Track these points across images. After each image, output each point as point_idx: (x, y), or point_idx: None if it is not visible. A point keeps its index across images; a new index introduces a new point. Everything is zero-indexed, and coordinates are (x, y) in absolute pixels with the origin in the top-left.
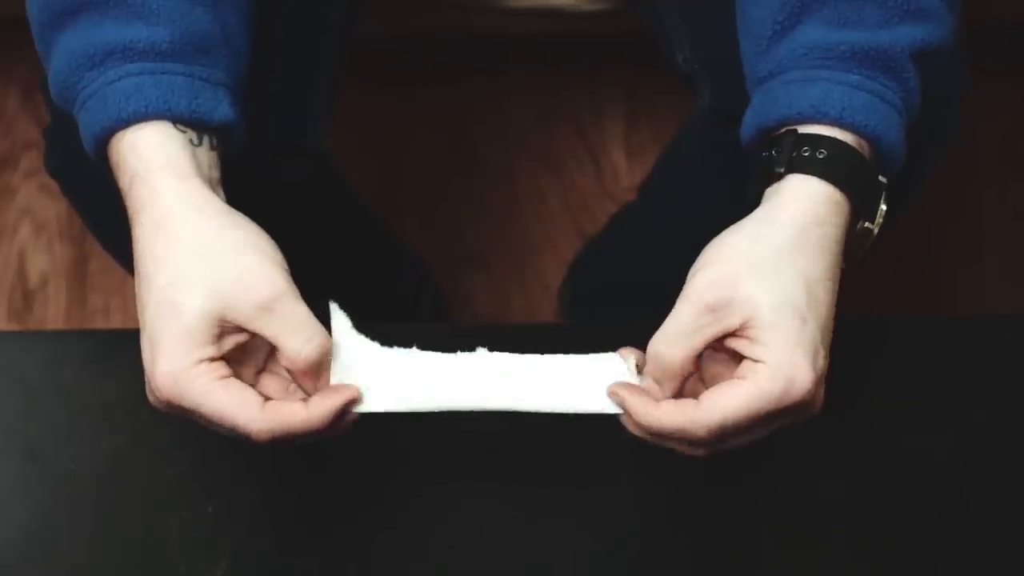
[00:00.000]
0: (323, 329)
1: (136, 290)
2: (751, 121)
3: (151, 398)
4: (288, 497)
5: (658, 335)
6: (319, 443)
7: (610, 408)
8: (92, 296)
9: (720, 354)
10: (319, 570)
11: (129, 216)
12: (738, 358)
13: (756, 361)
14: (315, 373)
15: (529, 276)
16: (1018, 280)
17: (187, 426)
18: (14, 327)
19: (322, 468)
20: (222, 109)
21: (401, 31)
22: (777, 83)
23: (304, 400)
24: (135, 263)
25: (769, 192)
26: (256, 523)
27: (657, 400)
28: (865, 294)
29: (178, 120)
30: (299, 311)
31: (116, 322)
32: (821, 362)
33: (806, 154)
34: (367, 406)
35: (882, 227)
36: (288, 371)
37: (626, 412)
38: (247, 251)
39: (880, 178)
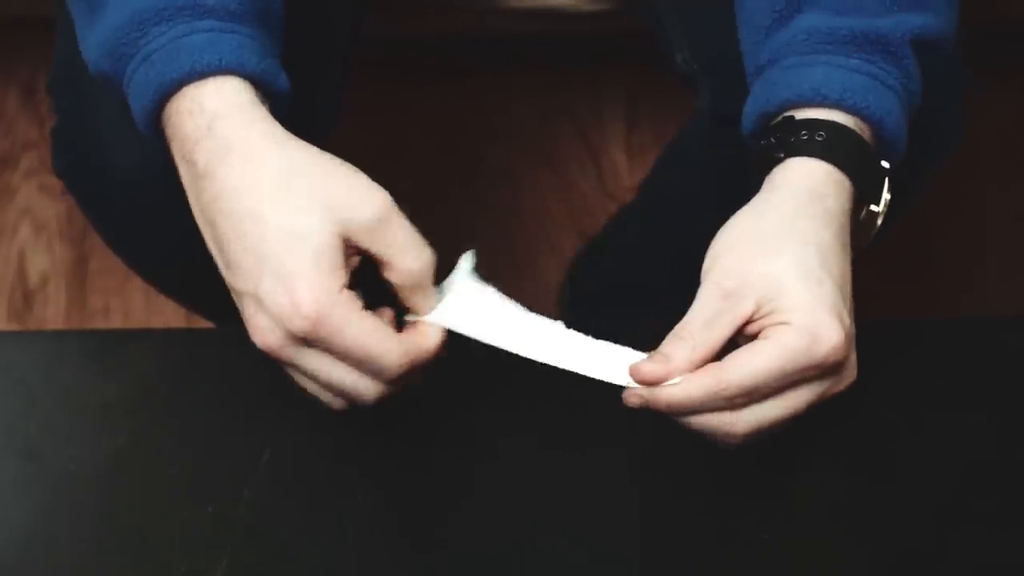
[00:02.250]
0: (429, 246)
1: (223, 233)
2: (751, 109)
3: (267, 332)
4: (288, 497)
5: (682, 322)
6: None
7: (610, 377)
8: (92, 296)
9: (742, 338)
10: (319, 570)
11: (203, 162)
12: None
13: (780, 324)
14: (426, 288)
15: (529, 276)
16: (1019, 281)
17: (188, 426)
18: (14, 327)
19: (322, 469)
20: (282, 78)
21: (401, 31)
22: (776, 69)
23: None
24: (220, 208)
25: (768, 177)
26: (256, 523)
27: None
28: (865, 296)
29: (249, 78)
30: (407, 224)
31: (116, 322)
32: (848, 321)
33: (804, 137)
34: (447, 320)
35: (887, 215)
36: (397, 288)
37: (648, 401)
38: (347, 170)
39: (882, 163)
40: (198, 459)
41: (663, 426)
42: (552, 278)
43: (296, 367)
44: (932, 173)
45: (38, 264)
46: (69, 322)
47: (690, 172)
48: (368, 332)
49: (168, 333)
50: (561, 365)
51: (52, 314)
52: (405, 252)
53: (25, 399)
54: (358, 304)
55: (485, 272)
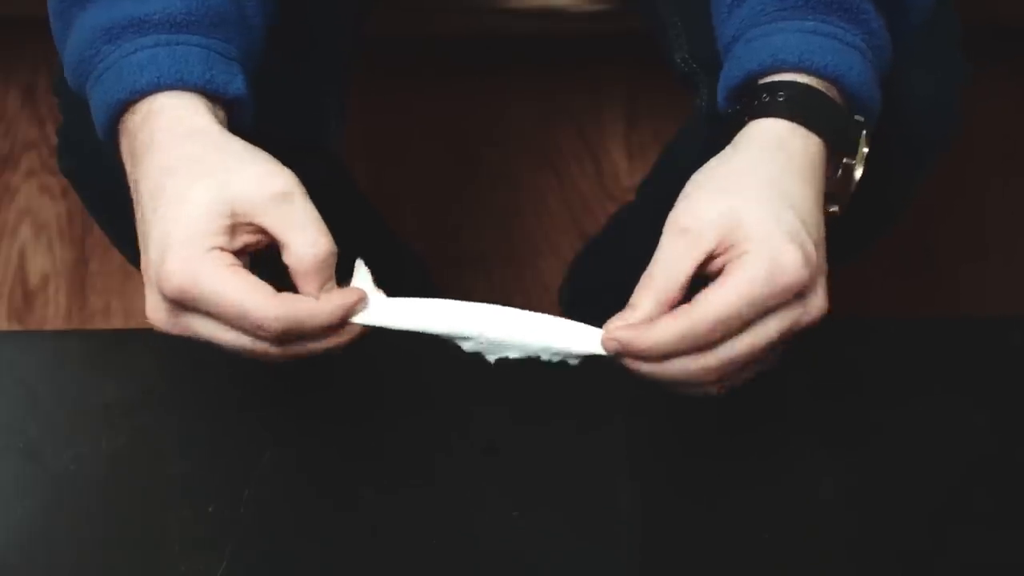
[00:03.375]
0: (331, 237)
1: (142, 216)
2: (722, 87)
3: (154, 309)
4: (288, 497)
5: (645, 272)
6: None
7: (599, 348)
8: (92, 296)
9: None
10: (319, 570)
11: (135, 163)
12: None
13: (740, 256)
14: (319, 277)
15: (529, 276)
16: (1018, 280)
17: (188, 426)
18: (14, 327)
19: (322, 469)
20: (235, 83)
21: (401, 31)
22: (740, 44)
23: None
24: (142, 197)
25: (733, 140)
26: (256, 523)
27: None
28: (865, 294)
29: (190, 91)
30: (308, 209)
31: (116, 322)
32: (809, 247)
33: (766, 100)
34: (372, 318)
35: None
36: (291, 272)
37: (624, 347)
38: (254, 153)
39: (856, 116)
40: (198, 459)
41: (663, 426)
42: (552, 278)
43: (193, 336)
44: (931, 168)
45: (38, 264)
46: (69, 322)
47: (689, 172)
48: (237, 288)
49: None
50: (528, 341)
51: (52, 314)
52: (299, 234)
53: (25, 399)
54: (228, 261)
55: (485, 272)
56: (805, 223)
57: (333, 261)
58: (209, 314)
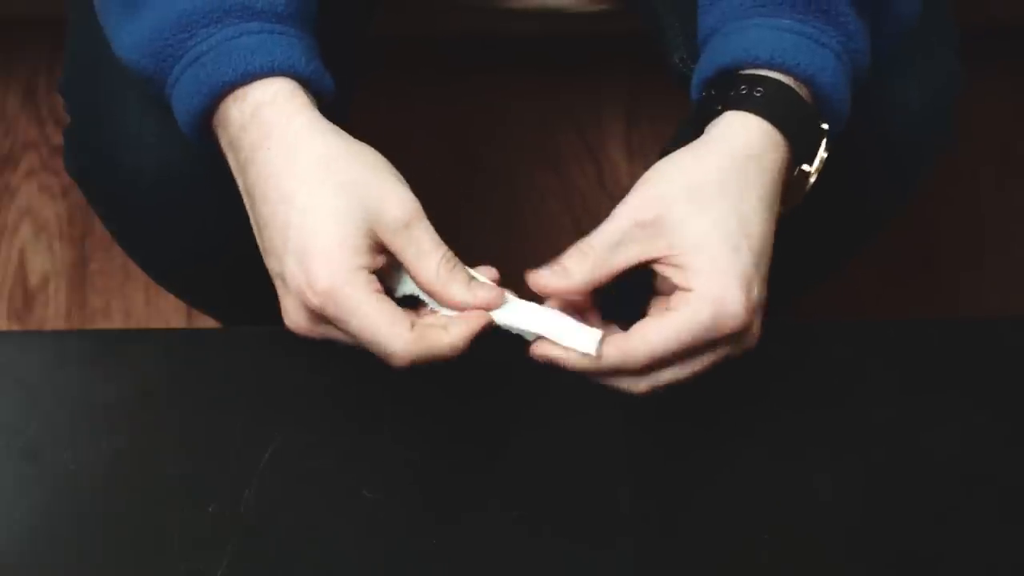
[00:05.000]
0: (448, 249)
1: (262, 218)
2: (696, 79)
3: (295, 316)
4: (288, 497)
5: (587, 238)
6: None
7: (583, 347)
8: (92, 296)
9: (660, 299)
10: (319, 570)
11: (247, 147)
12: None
13: (686, 290)
14: (455, 288)
15: None
16: (1017, 282)
17: (188, 426)
18: (14, 327)
19: (322, 469)
20: (328, 80)
21: (401, 31)
22: (718, 36)
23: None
24: (258, 193)
25: (707, 128)
26: (256, 523)
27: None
28: (864, 296)
29: (298, 79)
30: (431, 232)
31: (116, 322)
32: (756, 291)
33: (744, 92)
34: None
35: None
36: (426, 290)
37: (560, 360)
38: (385, 170)
39: (822, 124)
40: (198, 459)
41: (663, 426)
42: None
43: (333, 340)
44: (926, 173)
45: (38, 264)
46: (69, 322)
47: None
48: (379, 317)
49: (168, 333)
50: (535, 332)
51: (52, 314)
52: (429, 259)
53: (25, 399)
54: (374, 286)
55: None
56: (758, 260)
57: (460, 267)
58: (345, 332)
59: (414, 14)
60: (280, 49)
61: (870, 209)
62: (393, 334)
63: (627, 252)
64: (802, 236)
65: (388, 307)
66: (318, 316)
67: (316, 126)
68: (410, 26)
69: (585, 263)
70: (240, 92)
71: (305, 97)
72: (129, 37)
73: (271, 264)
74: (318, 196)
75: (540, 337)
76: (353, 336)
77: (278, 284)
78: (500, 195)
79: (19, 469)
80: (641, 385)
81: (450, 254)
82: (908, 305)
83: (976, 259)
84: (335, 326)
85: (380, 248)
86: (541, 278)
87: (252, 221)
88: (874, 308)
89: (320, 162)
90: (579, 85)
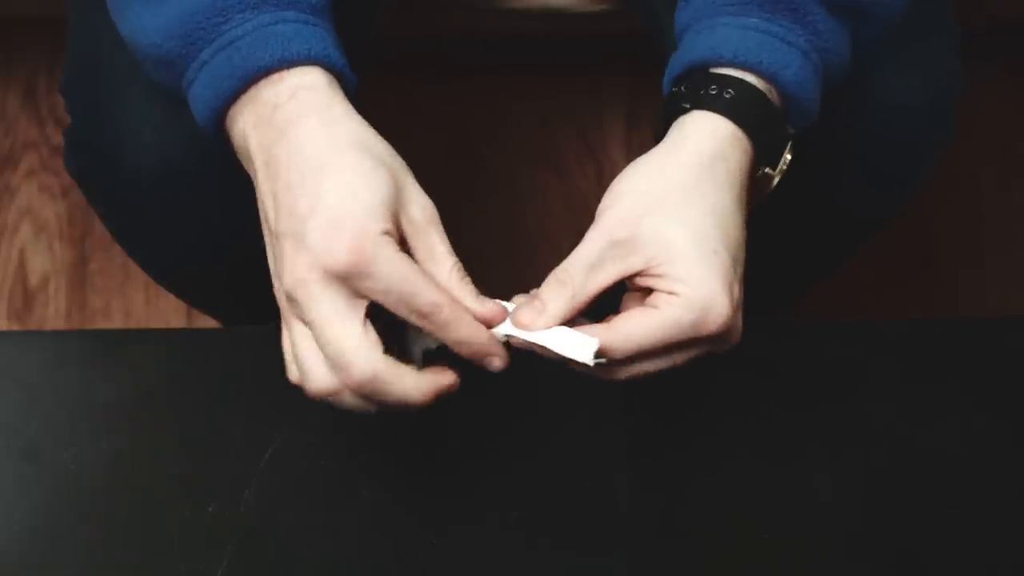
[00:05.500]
0: (455, 256)
1: (286, 184)
2: (667, 77)
3: (305, 269)
4: (288, 497)
5: (564, 264)
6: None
7: (580, 358)
8: (92, 296)
9: (635, 294)
10: (319, 570)
11: (280, 122)
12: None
13: (671, 293)
14: (459, 295)
15: (529, 276)
16: (1017, 282)
17: (188, 426)
18: (14, 327)
19: (322, 469)
20: (352, 76)
21: (401, 31)
22: (689, 34)
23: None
24: (290, 161)
25: (674, 126)
26: (256, 523)
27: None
28: (864, 296)
29: (331, 71)
30: (444, 239)
31: (116, 322)
32: (736, 291)
33: (713, 92)
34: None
35: (783, 175)
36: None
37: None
38: (409, 172)
39: (789, 128)
40: (198, 459)
41: (663, 426)
42: None
43: (316, 306)
44: (926, 172)
45: (38, 264)
46: (69, 322)
47: None
48: (411, 270)
49: (168, 333)
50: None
51: (52, 314)
52: (440, 265)
53: (25, 399)
54: (396, 247)
55: (485, 272)
56: (736, 260)
57: (468, 280)
58: (370, 291)
59: (415, 14)
60: (316, 39)
61: (870, 208)
62: (420, 287)
63: (605, 272)
64: (802, 236)
65: (413, 264)
66: (331, 276)
67: (353, 115)
68: (411, 26)
69: (564, 292)
70: (275, 76)
71: (340, 89)
72: (154, 20)
73: (282, 223)
74: (359, 165)
75: (538, 347)
76: (387, 292)
77: (286, 243)
78: (501, 195)
79: (19, 469)
80: (620, 374)
81: (461, 265)
82: (908, 305)
83: (976, 259)
84: (349, 286)
85: (399, 234)
86: (523, 316)
87: (266, 190)
88: (874, 308)
89: (361, 143)
90: (580, 85)
